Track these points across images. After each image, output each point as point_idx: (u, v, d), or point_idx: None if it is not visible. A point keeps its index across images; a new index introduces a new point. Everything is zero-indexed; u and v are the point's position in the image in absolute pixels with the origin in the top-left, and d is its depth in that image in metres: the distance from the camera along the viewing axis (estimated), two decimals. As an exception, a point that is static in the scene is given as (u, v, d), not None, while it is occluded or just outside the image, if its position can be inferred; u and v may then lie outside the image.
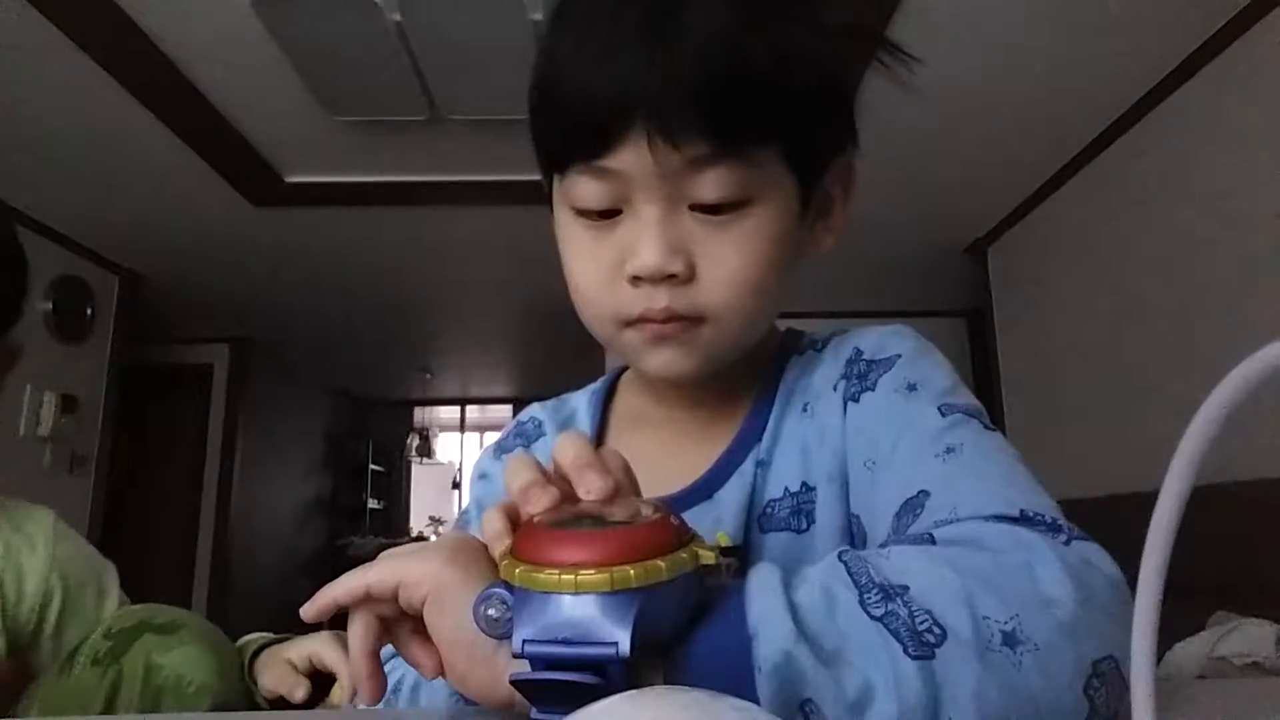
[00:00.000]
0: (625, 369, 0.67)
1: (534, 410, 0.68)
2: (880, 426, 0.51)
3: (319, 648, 0.79)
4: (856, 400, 0.54)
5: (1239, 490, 1.85)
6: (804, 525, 0.54)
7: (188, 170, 2.84)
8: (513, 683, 0.34)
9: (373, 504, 7.67)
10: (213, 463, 4.99)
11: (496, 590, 0.35)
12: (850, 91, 0.55)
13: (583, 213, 0.51)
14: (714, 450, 0.57)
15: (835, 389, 0.56)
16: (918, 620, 0.34)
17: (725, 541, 0.46)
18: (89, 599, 0.85)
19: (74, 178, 2.88)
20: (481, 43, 2.14)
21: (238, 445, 5.05)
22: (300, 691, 0.77)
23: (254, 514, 5.29)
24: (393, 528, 7.73)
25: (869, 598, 0.35)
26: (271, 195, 3.06)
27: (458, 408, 8.29)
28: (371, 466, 7.69)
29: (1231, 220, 2.20)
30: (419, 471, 8.76)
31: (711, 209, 0.48)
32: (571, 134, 0.49)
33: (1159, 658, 0.31)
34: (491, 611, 0.35)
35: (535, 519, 0.37)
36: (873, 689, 0.33)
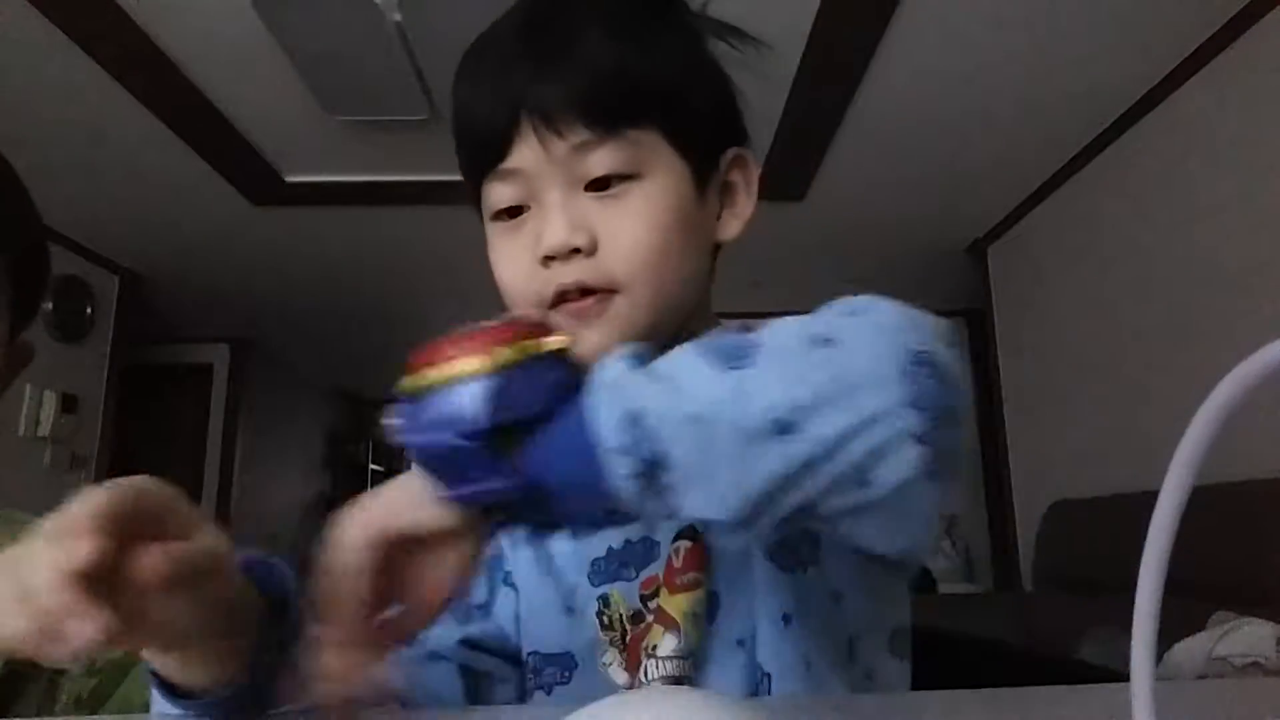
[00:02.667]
0: None
1: None
2: None
3: None
4: None
5: (1239, 490, 1.85)
6: None
7: (188, 170, 2.84)
8: (416, 463, 0.42)
9: (373, 504, 7.66)
10: (213, 463, 4.98)
11: (397, 405, 0.42)
12: (724, 86, 0.61)
13: (498, 216, 0.57)
14: None
15: None
16: (738, 344, 0.39)
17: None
18: None
19: (74, 178, 2.88)
20: (481, 43, 2.14)
21: (238, 445, 5.05)
22: None
23: (254, 514, 5.28)
24: (393, 528, 7.73)
25: (706, 346, 0.40)
26: (271, 195, 3.06)
27: (458, 408, 8.28)
28: (371, 466, 7.69)
29: (1231, 220, 2.20)
30: (419, 471, 8.75)
31: (603, 185, 0.54)
32: (476, 149, 0.57)
33: (1159, 658, 0.30)
34: (391, 421, 0.42)
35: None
36: (689, 387, 0.38)
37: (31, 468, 3.32)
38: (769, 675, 0.53)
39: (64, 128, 2.55)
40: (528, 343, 0.41)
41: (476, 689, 0.61)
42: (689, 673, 0.51)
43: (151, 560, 0.37)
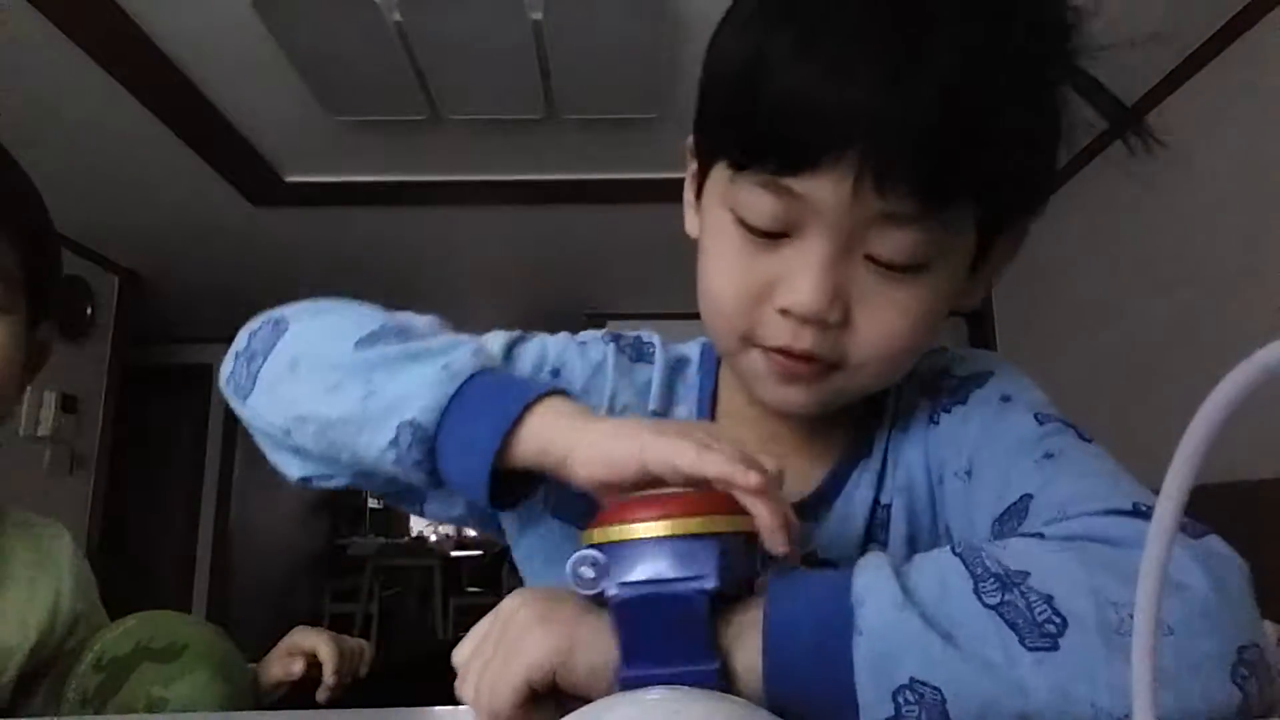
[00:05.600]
0: None
1: (654, 336, 0.64)
2: (974, 436, 0.51)
3: (312, 639, 0.82)
4: (949, 411, 0.54)
5: (1239, 490, 1.85)
6: (885, 538, 0.55)
7: (188, 170, 2.84)
8: (621, 681, 0.35)
9: (373, 503, 7.65)
10: (213, 463, 4.99)
11: (588, 552, 0.37)
12: (1057, 152, 0.50)
13: (745, 223, 0.46)
14: (817, 460, 0.57)
15: (922, 406, 0.56)
16: (1036, 610, 0.34)
17: None
18: (98, 621, 0.81)
19: (74, 177, 2.88)
20: (481, 43, 2.14)
21: (238, 445, 5.05)
22: (298, 665, 0.80)
23: (254, 514, 5.28)
24: (393, 527, 7.73)
25: (984, 586, 0.35)
26: (271, 195, 3.06)
27: (458, 408, 8.28)
28: (371, 466, 7.68)
29: (1232, 220, 2.20)
30: (419, 471, 8.73)
31: (887, 265, 0.44)
32: (769, 140, 0.43)
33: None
34: (585, 570, 0.37)
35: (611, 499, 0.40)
36: (990, 667, 0.33)
37: (31, 468, 3.32)
38: None
39: (64, 128, 2.54)
40: (740, 518, 0.37)
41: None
42: None
43: None
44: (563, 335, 0.62)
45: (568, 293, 4.25)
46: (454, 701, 0.43)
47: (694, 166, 0.52)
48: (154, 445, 4.85)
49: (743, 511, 0.37)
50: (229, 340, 0.57)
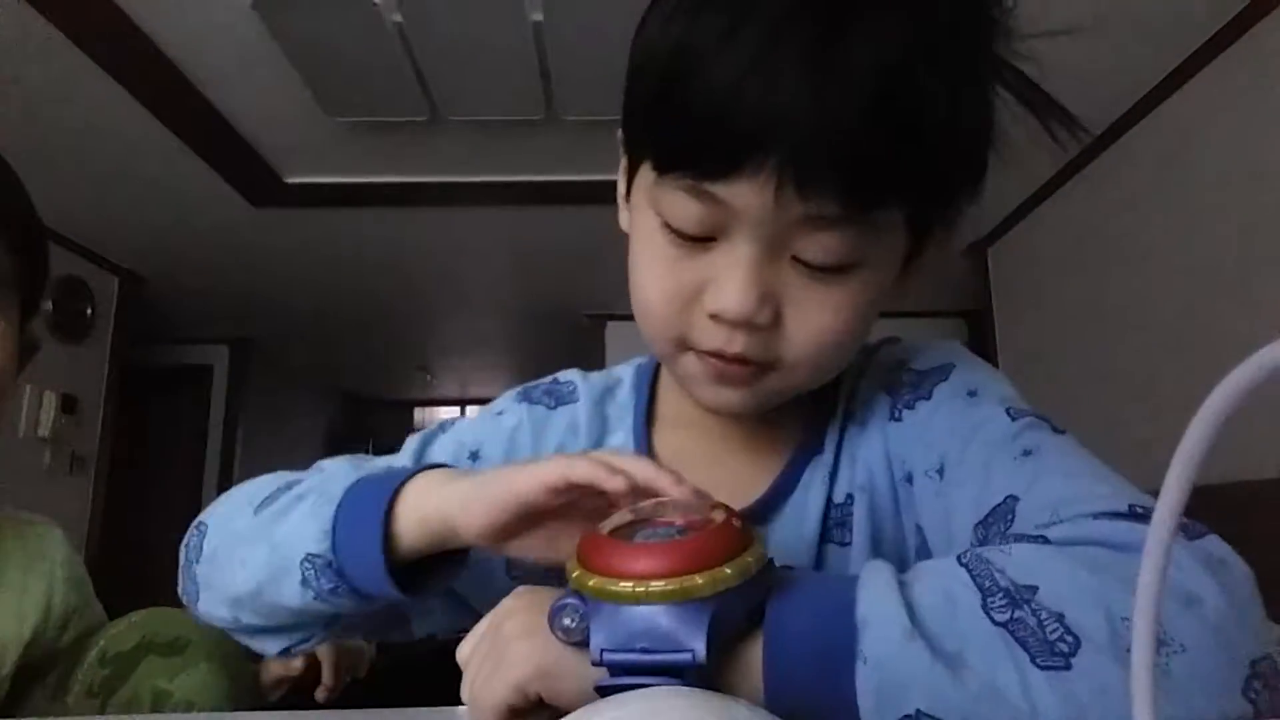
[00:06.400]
0: None
1: (571, 374, 0.64)
2: (944, 434, 0.50)
3: None
4: (912, 407, 0.53)
5: (1238, 490, 1.85)
6: (846, 538, 0.53)
7: (188, 170, 2.84)
8: (597, 689, 0.35)
9: (373, 504, 7.66)
10: (213, 463, 4.98)
11: (570, 601, 0.36)
12: (989, 148, 0.50)
13: (670, 226, 0.46)
14: (766, 459, 0.56)
15: (880, 401, 0.55)
16: (1048, 628, 0.33)
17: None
18: (93, 616, 0.82)
19: (73, 178, 2.88)
20: (481, 43, 2.14)
21: (238, 445, 5.05)
22: (297, 661, 0.82)
23: (254, 514, 5.28)
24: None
25: (992, 601, 0.34)
26: (271, 195, 3.06)
27: (458, 408, 8.29)
28: (371, 466, 7.67)
29: (1231, 220, 2.20)
30: (419, 472, 8.73)
31: (815, 266, 0.44)
32: (689, 145, 0.43)
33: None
34: (567, 621, 0.36)
35: (600, 527, 0.38)
36: (1000, 692, 0.32)
37: (31, 468, 3.32)
38: None
39: (64, 128, 2.54)
40: (745, 559, 0.35)
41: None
42: None
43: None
44: (481, 413, 0.63)
45: (568, 293, 4.25)
46: (454, 701, 0.43)
47: (624, 162, 0.52)
48: (154, 445, 4.85)
49: (745, 548, 0.36)
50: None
